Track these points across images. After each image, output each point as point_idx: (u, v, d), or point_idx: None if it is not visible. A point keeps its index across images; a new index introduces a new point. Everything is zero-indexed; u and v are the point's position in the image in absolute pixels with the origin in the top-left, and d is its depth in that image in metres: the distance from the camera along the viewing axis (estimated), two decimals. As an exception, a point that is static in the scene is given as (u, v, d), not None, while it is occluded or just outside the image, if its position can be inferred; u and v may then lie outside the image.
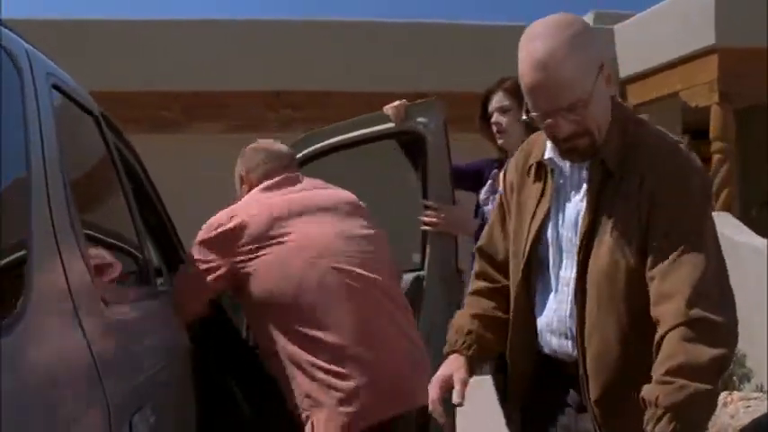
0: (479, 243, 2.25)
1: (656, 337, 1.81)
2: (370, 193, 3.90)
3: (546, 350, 2.06)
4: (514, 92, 3.14)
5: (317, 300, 2.43)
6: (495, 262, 2.19)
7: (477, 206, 3.44)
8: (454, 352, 2.11)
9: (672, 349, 1.77)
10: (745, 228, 6.87)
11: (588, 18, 10.50)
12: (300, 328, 2.42)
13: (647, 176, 1.89)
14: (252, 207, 2.56)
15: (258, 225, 2.48)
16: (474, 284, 2.23)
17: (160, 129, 8.01)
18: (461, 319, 2.16)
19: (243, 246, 2.46)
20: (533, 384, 2.11)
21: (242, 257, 2.46)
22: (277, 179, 2.67)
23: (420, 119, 3.35)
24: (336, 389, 2.37)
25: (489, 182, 3.37)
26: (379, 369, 2.40)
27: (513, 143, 3.00)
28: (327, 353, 2.38)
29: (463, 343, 2.10)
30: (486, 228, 2.25)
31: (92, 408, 1.39)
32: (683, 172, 1.90)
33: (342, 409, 2.34)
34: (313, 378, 2.39)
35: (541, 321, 2.06)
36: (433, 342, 3.25)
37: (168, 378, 2.13)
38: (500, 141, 3.29)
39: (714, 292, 1.82)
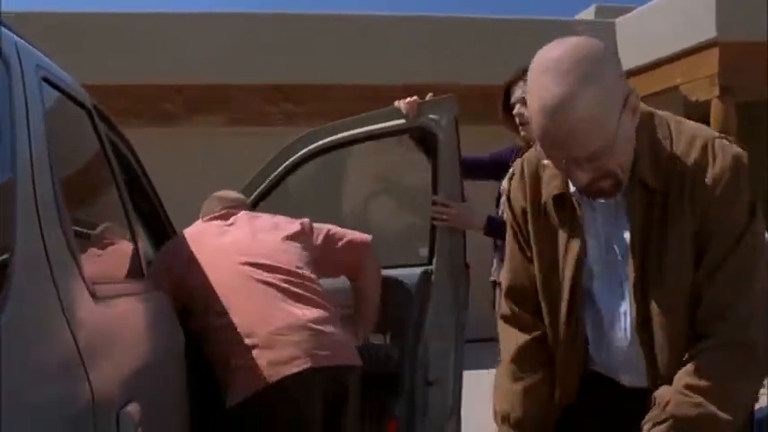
0: (506, 283, 1.99)
1: (696, 347, 1.68)
2: (379, 189, 3.93)
3: (612, 377, 1.89)
4: None
5: (223, 294, 2.85)
6: (526, 299, 1.94)
7: (499, 196, 3.45)
8: None
9: (706, 365, 1.66)
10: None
11: (590, 12, 10.48)
12: (213, 320, 2.82)
13: (695, 192, 1.68)
14: (188, 234, 3.15)
15: (186, 248, 3.01)
16: (506, 338, 1.98)
17: (161, 122, 8.01)
18: (503, 400, 1.94)
19: (177, 267, 2.95)
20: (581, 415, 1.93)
21: (178, 276, 2.92)
22: (217, 213, 3.21)
23: (431, 115, 3.34)
24: (241, 368, 2.72)
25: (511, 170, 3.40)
26: (276, 340, 2.73)
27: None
28: (233, 336, 2.77)
29: None
30: (507, 264, 2.01)
31: (75, 401, 1.38)
32: (734, 187, 1.69)
33: (250, 377, 2.70)
34: (227, 364, 2.77)
35: (605, 357, 1.87)
36: (439, 334, 3.28)
37: (161, 374, 2.12)
38: (523, 133, 3.30)
39: (761, 314, 1.70)
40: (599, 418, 1.92)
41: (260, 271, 2.89)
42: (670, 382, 1.71)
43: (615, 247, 1.78)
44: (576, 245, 1.80)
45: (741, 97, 7.93)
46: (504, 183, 3.38)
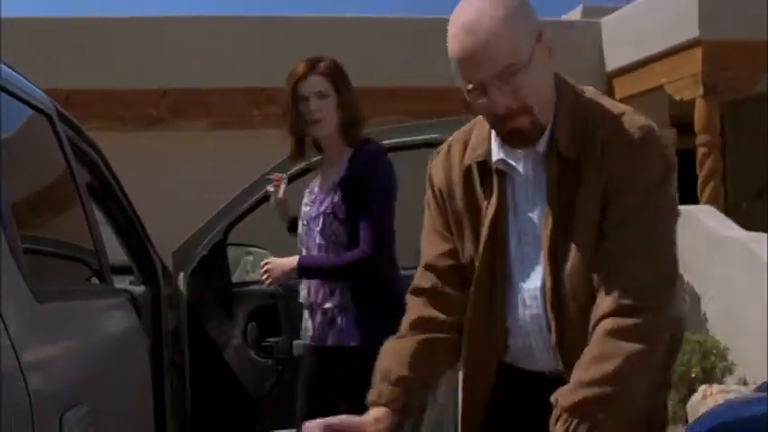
0: (426, 260, 1.91)
1: (593, 324, 1.66)
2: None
3: (521, 366, 1.85)
4: (331, 74, 2.84)
5: None
6: (449, 274, 1.88)
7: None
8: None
9: (597, 350, 1.63)
10: (728, 221, 6.87)
11: (576, 12, 10.51)
12: None
13: (604, 160, 1.71)
14: None
15: None
16: (412, 308, 1.90)
17: (146, 127, 8.03)
18: (387, 359, 1.84)
19: None
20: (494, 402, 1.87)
21: None
22: None
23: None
24: None
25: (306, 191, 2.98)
26: None
27: (329, 134, 2.81)
28: None
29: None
30: (426, 240, 1.92)
31: (10, 403, 1.39)
32: (641, 152, 1.71)
33: None
34: None
35: (520, 342, 1.82)
36: None
37: (114, 377, 2.12)
38: (315, 132, 2.86)
39: (654, 285, 1.67)
40: (519, 410, 1.86)
41: None
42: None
43: (531, 219, 1.79)
44: (490, 215, 1.80)
45: (725, 96, 7.96)
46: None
